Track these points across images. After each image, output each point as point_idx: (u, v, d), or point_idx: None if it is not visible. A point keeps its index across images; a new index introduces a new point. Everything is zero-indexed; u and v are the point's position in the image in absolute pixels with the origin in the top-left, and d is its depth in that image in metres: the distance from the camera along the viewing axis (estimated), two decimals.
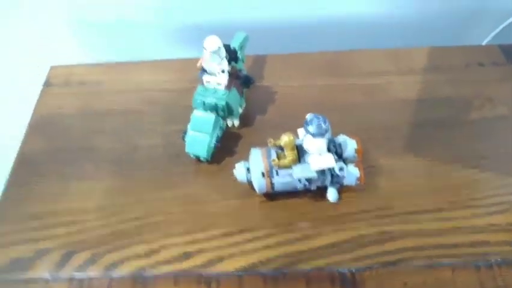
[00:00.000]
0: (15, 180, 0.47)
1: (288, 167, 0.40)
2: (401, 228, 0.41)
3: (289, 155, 0.39)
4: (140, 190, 0.45)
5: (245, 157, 0.47)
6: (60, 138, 0.51)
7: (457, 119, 0.49)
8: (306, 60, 0.57)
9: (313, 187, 0.41)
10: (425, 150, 0.47)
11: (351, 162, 0.41)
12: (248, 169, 0.42)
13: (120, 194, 0.45)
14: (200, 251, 0.41)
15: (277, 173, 0.40)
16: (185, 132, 0.46)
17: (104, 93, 0.55)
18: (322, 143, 0.38)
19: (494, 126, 0.48)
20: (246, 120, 0.51)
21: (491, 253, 0.39)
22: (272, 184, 0.41)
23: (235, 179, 0.43)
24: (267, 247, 0.41)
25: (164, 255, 0.41)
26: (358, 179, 0.41)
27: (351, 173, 0.40)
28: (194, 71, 0.56)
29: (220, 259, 0.40)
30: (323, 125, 0.37)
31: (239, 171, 0.42)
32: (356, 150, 0.40)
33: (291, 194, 0.43)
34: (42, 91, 0.56)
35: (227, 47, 0.45)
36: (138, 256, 0.41)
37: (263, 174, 0.40)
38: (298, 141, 0.41)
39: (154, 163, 0.48)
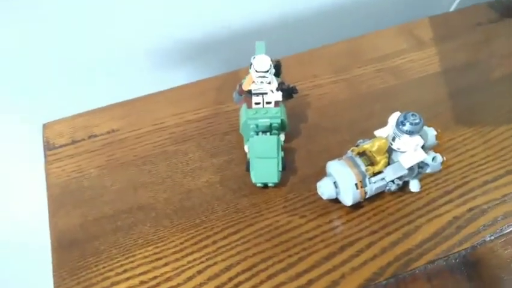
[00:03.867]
0: (64, 266, 0.40)
1: (381, 171, 0.39)
2: (486, 199, 0.42)
3: (382, 159, 0.38)
4: (219, 235, 0.41)
5: (308, 172, 0.45)
6: (97, 205, 0.44)
7: (484, 81, 0.52)
8: (323, 55, 0.56)
9: (400, 184, 0.41)
10: (472, 118, 0.48)
11: (431, 149, 0.41)
12: (334, 183, 0.40)
13: (200, 246, 0.41)
14: (310, 282, 0.38)
15: (369, 181, 0.39)
16: (248, 163, 0.43)
17: (124, 142, 0.49)
18: (419, 140, 0.37)
19: None
20: (288, 132, 0.49)
21: None
22: (365, 192, 0.39)
23: (319, 197, 0.41)
24: (375, 256, 0.39)
25: None
26: (441, 163, 0.41)
27: (439, 161, 0.40)
28: (208, 94, 0.53)
29: (335, 283, 0.38)
30: (419, 122, 0.36)
31: (328, 188, 0.40)
32: (437, 137, 0.40)
33: (371, 196, 0.42)
34: (47, 156, 0.49)
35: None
36: None
37: (357, 186, 0.39)
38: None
39: (219, 202, 0.44)
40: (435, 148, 0.42)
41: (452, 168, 0.44)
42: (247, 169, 0.43)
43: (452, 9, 0.68)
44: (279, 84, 0.45)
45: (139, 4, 0.54)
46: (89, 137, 0.50)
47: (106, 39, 0.56)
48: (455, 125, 0.48)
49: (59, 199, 0.45)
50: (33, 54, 0.54)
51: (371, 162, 0.39)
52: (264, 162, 0.42)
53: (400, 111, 0.38)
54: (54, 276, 0.40)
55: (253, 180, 0.43)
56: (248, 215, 0.43)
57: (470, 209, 0.42)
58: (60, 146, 0.49)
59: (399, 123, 0.37)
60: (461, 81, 0.52)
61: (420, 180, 0.43)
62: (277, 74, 0.44)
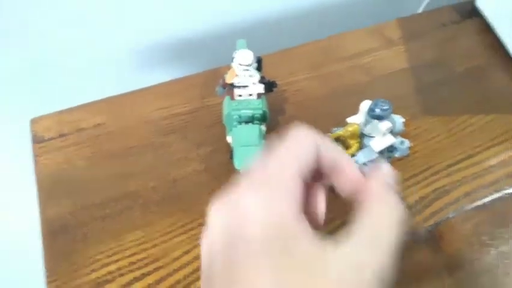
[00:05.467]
0: (55, 251, 0.42)
1: (354, 155, 0.42)
2: (449, 181, 0.46)
3: (354, 144, 0.42)
4: (205, 218, 0.44)
5: None
6: (86, 194, 0.46)
7: (448, 76, 0.56)
8: (300, 53, 0.59)
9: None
10: (437, 110, 0.52)
11: (399, 134, 0.45)
12: None
13: (187, 229, 0.43)
14: None
15: None
16: (231, 151, 0.46)
17: (111, 134, 0.51)
18: (388, 124, 0.40)
19: (480, 75, 0.56)
20: (268, 124, 0.52)
21: None
22: None
23: None
24: None
25: None
26: (409, 148, 0.44)
27: (407, 145, 0.44)
28: (194, 89, 0.55)
29: None
30: (387, 107, 0.40)
31: None
32: (404, 124, 0.44)
33: None
34: (35, 149, 0.50)
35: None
36: None
37: None
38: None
39: (204, 189, 0.46)
40: (403, 134, 0.46)
41: (418, 154, 0.48)
42: (231, 157, 0.46)
43: (419, 11, 0.73)
44: (260, 78, 0.48)
45: (126, 3, 0.56)
46: (77, 131, 0.52)
47: (92, 38, 0.58)
48: (421, 115, 0.52)
49: (49, 189, 0.47)
50: (21, 52, 0.56)
51: (345, 147, 0.42)
52: (247, 150, 0.45)
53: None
54: (45, 260, 0.42)
55: (237, 167, 0.45)
56: None
57: (435, 190, 0.46)
58: (49, 139, 0.51)
59: (370, 110, 0.40)
60: (427, 76, 0.56)
61: (390, 165, 0.46)
62: (258, 69, 0.47)
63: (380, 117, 0.40)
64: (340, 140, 0.43)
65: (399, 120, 0.44)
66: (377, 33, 0.61)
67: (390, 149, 0.44)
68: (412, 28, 0.62)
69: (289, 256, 0.20)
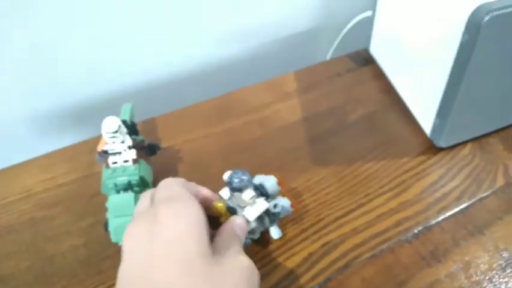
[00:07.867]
0: None
1: None
2: (339, 233, 0.45)
3: (225, 220, 0.39)
4: None
5: None
6: None
7: (341, 125, 0.57)
8: (196, 111, 0.59)
9: (257, 236, 0.42)
10: (328, 160, 0.52)
11: (277, 195, 0.43)
12: None
13: None
14: None
15: None
16: (106, 222, 0.43)
17: None
18: (251, 193, 0.38)
19: (373, 121, 0.57)
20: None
21: (413, 225, 0.45)
22: None
23: None
24: None
25: None
26: (291, 206, 0.43)
27: (283, 205, 0.42)
28: (81, 157, 0.54)
29: None
30: (244, 177, 0.38)
31: None
32: (278, 183, 0.42)
33: None
34: None
35: (124, 123, 0.44)
36: None
37: None
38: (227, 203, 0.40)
39: (82, 266, 0.43)
40: (294, 191, 0.45)
41: (308, 207, 0.47)
42: (106, 229, 0.43)
43: (328, 57, 0.75)
44: (140, 142, 0.47)
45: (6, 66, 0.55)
46: None
47: None
48: (313, 166, 0.52)
49: None
50: None
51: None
52: (121, 221, 0.43)
53: (231, 170, 0.39)
54: None
55: (113, 239, 0.43)
56: (110, 276, 0.42)
57: (324, 244, 0.44)
58: None
59: (228, 183, 0.38)
60: (320, 127, 0.56)
61: (280, 227, 0.45)
62: (134, 133, 0.46)
63: (239, 189, 0.38)
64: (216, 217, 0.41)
65: (271, 180, 0.41)
66: (274, 87, 0.62)
67: (270, 212, 0.41)
68: (308, 79, 0.63)
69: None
